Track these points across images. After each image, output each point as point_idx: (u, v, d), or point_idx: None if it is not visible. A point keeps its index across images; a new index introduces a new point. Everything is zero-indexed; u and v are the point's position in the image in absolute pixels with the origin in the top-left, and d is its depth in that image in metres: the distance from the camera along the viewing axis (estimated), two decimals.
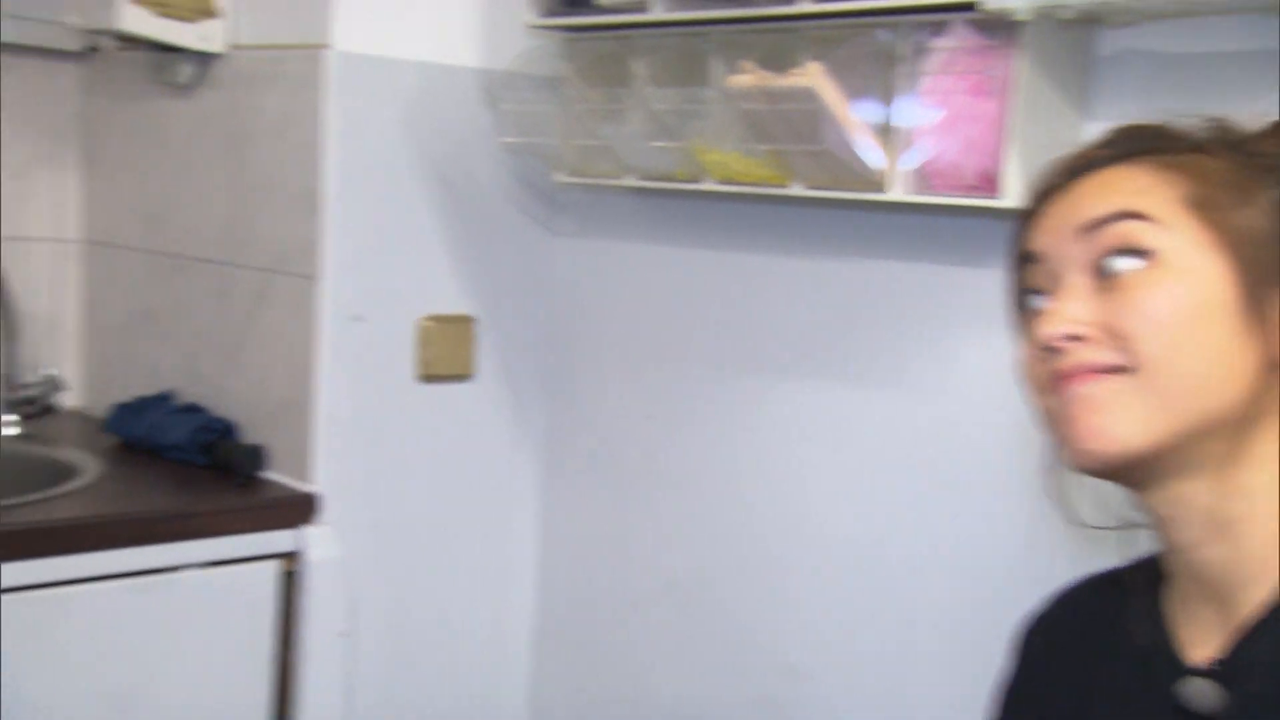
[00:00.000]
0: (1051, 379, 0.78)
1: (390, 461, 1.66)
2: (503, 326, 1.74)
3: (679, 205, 1.61)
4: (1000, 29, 1.16)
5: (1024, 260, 0.81)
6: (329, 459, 1.60)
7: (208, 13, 1.64)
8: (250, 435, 1.68)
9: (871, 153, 1.25)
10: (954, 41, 1.19)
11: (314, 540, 1.58)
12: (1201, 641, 0.80)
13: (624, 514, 1.70)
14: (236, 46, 1.66)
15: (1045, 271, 0.80)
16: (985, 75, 1.17)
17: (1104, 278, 0.76)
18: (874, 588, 1.43)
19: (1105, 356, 0.75)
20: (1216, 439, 0.76)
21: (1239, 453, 0.77)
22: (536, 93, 1.52)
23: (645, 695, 1.67)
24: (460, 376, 1.71)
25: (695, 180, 1.43)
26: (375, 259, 1.61)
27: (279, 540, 1.57)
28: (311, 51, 1.55)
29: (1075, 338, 0.76)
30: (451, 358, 1.70)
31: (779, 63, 1.28)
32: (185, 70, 1.70)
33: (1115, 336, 0.75)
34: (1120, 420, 0.75)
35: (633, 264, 1.68)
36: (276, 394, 1.64)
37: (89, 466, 1.62)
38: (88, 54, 1.89)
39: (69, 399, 1.95)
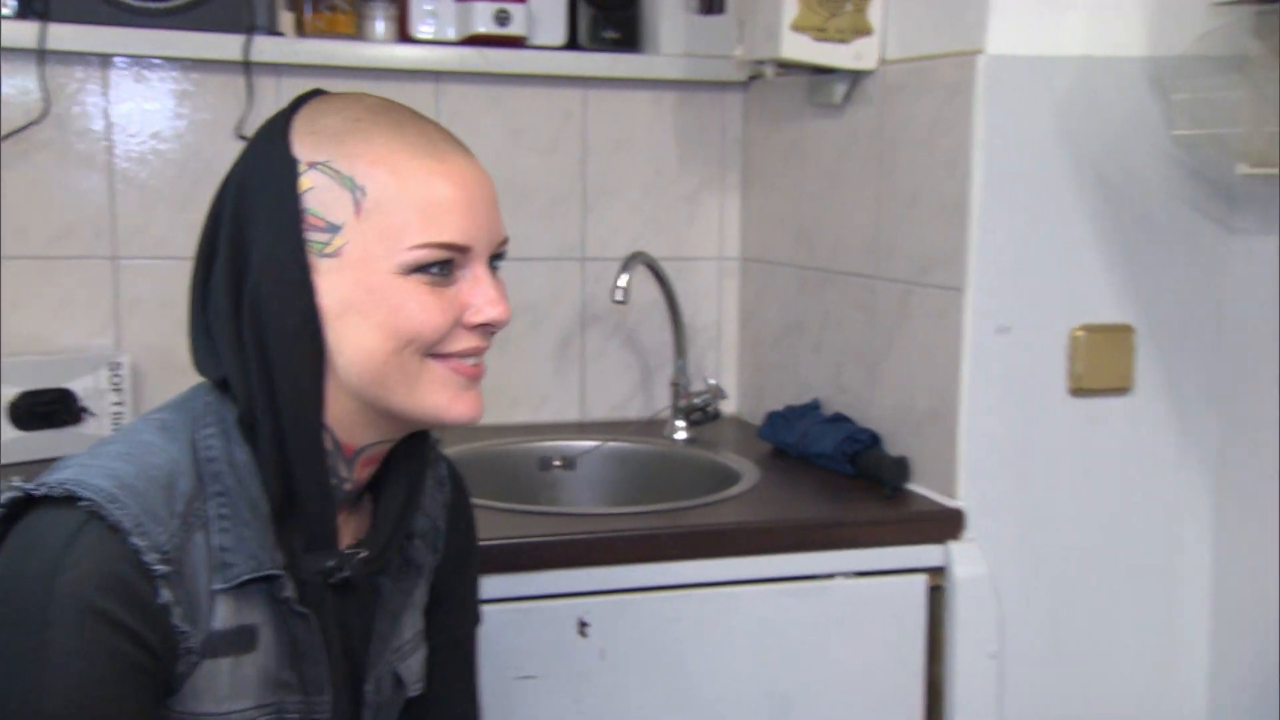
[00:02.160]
0: None
1: (1038, 478, 1.57)
2: (1166, 335, 1.58)
3: None
4: None
5: None
6: (974, 474, 1.55)
7: (862, 30, 1.64)
8: (895, 447, 1.67)
9: None
10: None
11: (959, 556, 1.53)
12: None
13: None
14: (887, 61, 1.65)
15: None
16: None
17: None
18: None
19: None
20: None
21: None
22: (1218, 77, 1.35)
23: None
24: (1117, 390, 1.57)
25: None
26: (1023, 267, 1.53)
27: (926, 555, 1.54)
28: (964, 58, 1.50)
29: None
30: (1107, 369, 1.56)
31: None
32: (838, 90, 1.72)
33: None
34: None
35: None
36: (921, 406, 1.61)
37: (748, 472, 1.70)
38: (749, 84, 2.00)
39: (728, 406, 2.07)
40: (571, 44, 1.93)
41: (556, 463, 1.85)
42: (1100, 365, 1.56)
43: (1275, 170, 1.37)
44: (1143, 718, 1.64)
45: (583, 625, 1.42)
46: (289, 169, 0.88)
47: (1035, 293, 1.54)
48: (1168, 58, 1.44)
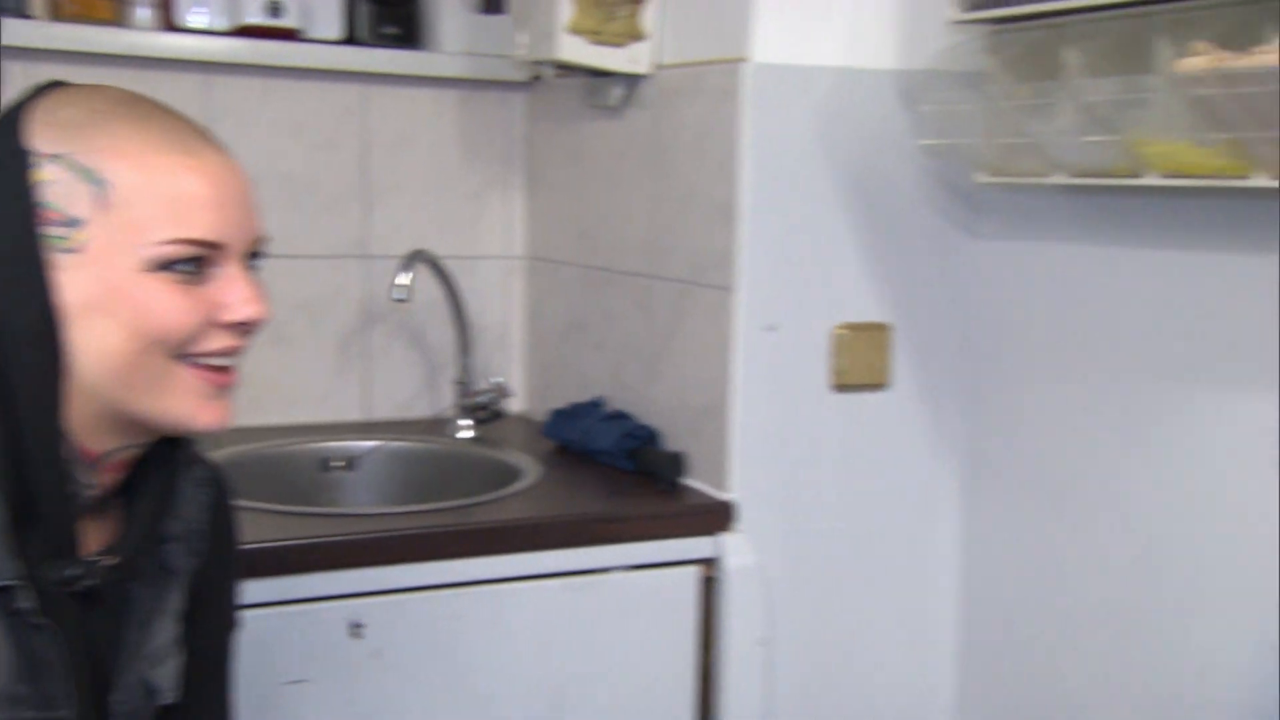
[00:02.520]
0: None
1: (804, 470, 1.64)
2: (920, 334, 1.67)
3: (1112, 202, 1.47)
4: None
5: None
6: (744, 467, 1.60)
7: (636, 36, 1.68)
8: (672, 442, 1.71)
9: None
10: None
11: (730, 547, 1.58)
12: None
13: (1055, 532, 1.57)
14: (661, 66, 1.69)
15: None
16: None
17: None
18: None
19: None
20: None
21: None
22: (958, 91, 1.43)
23: None
24: (875, 385, 1.65)
25: (1134, 175, 1.30)
26: (789, 268, 1.59)
27: (699, 546, 1.58)
28: (730, 65, 1.54)
29: None
30: (866, 366, 1.64)
31: (1239, 41, 1.13)
32: (615, 93, 1.75)
33: None
34: None
35: (1059, 266, 1.55)
36: (695, 402, 1.66)
37: (530, 469, 1.71)
38: (532, 84, 2.01)
39: (515, 404, 2.08)
40: (350, 39, 1.90)
41: (337, 463, 1.82)
42: (860, 362, 1.64)
43: (1010, 179, 1.47)
44: (899, 695, 1.73)
45: (356, 627, 1.40)
46: (21, 161, 0.84)
47: (800, 292, 1.60)
48: (914, 71, 1.52)
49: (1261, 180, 1.17)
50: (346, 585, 1.40)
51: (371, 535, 1.43)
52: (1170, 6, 1.21)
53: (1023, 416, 1.62)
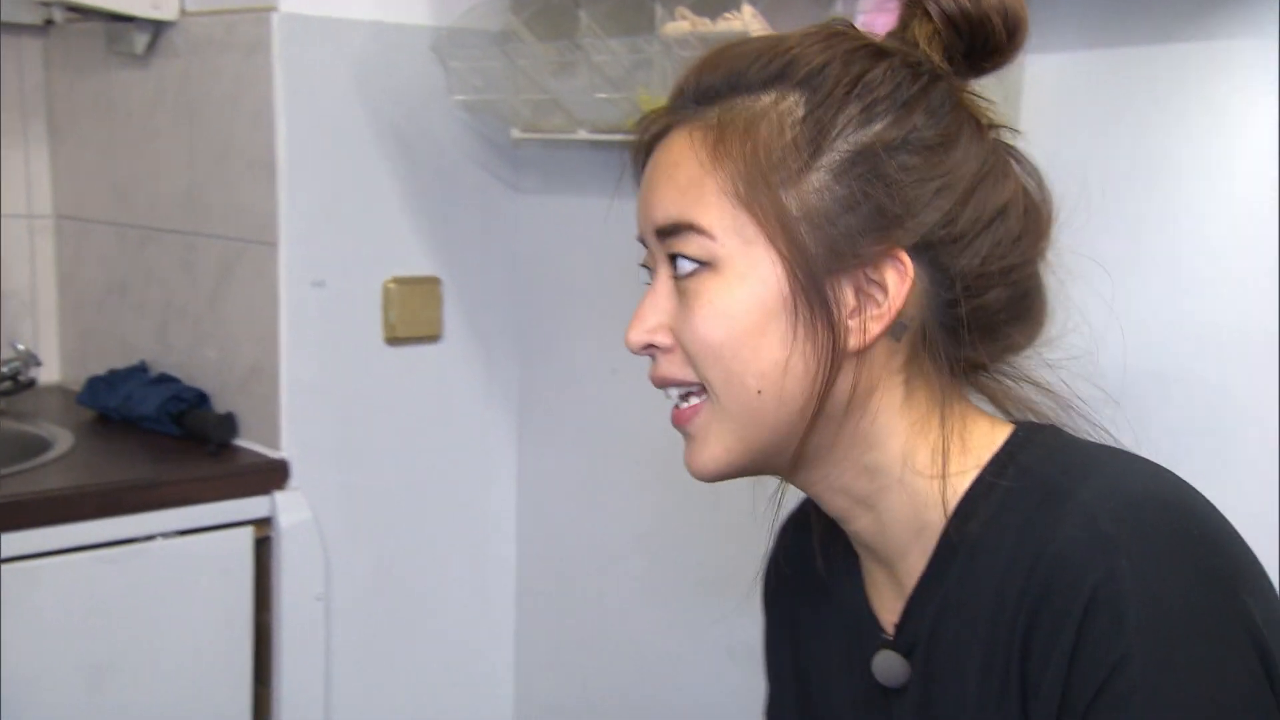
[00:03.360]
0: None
1: (360, 425, 1.64)
2: (469, 286, 1.71)
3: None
4: None
5: (641, 240, 0.78)
6: (297, 425, 1.58)
7: None
8: (221, 404, 1.66)
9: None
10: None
11: (284, 505, 1.56)
12: (887, 605, 0.79)
13: (597, 467, 1.67)
14: (188, 13, 1.62)
15: (650, 255, 0.77)
16: None
17: (678, 277, 0.74)
18: None
19: (684, 373, 0.75)
20: (813, 434, 0.73)
21: (852, 437, 0.74)
22: (486, 49, 1.47)
23: (623, 645, 1.65)
24: (428, 338, 1.68)
25: None
26: (335, 223, 1.58)
27: (251, 507, 1.55)
28: (260, 15, 1.50)
29: (653, 346, 0.76)
30: (417, 319, 1.66)
31: (715, 9, 1.23)
32: (140, 39, 1.66)
33: (686, 352, 0.74)
34: (707, 449, 0.76)
35: (593, 218, 1.63)
36: (244, 362, 1.62)
37: (62, 440, 1.60)
38: (46, 28, 1.85)
39: (48, 374, 1.93)
40: None
41: None
42: (411, 315, 1.65)
43: (542, 135, 1.53)
44: (462, 638, 1.77)
45: None
46: None
47: (348, 247, 1.59)
48: (445, 28, 1.54)
49: None
50: None
51: None
52: None
53: (568, 360, 1.70)
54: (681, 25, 1.22)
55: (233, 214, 1.60)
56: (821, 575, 0.85)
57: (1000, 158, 0.75)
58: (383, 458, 1.67)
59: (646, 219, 0.76)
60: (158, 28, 1.65)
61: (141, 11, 1.60)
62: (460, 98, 1.54)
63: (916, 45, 0.73)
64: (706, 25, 1.20)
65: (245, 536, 1.55)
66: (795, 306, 0.71)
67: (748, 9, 1.17)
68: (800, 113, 0.71)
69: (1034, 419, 0.78)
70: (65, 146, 1.89)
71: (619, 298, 1.62)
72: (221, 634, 1.54)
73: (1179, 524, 0.66)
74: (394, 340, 1.65)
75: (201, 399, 1.67)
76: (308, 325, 1.57)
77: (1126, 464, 0.71)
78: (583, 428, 1.69)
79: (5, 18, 1.81)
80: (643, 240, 0.77)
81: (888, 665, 0.77)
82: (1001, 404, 0.79)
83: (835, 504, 0.78)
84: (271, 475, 1.56)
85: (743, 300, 0.72)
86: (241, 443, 1.62)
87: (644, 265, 0.78)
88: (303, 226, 1.55)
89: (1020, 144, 0.78)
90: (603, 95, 1.36)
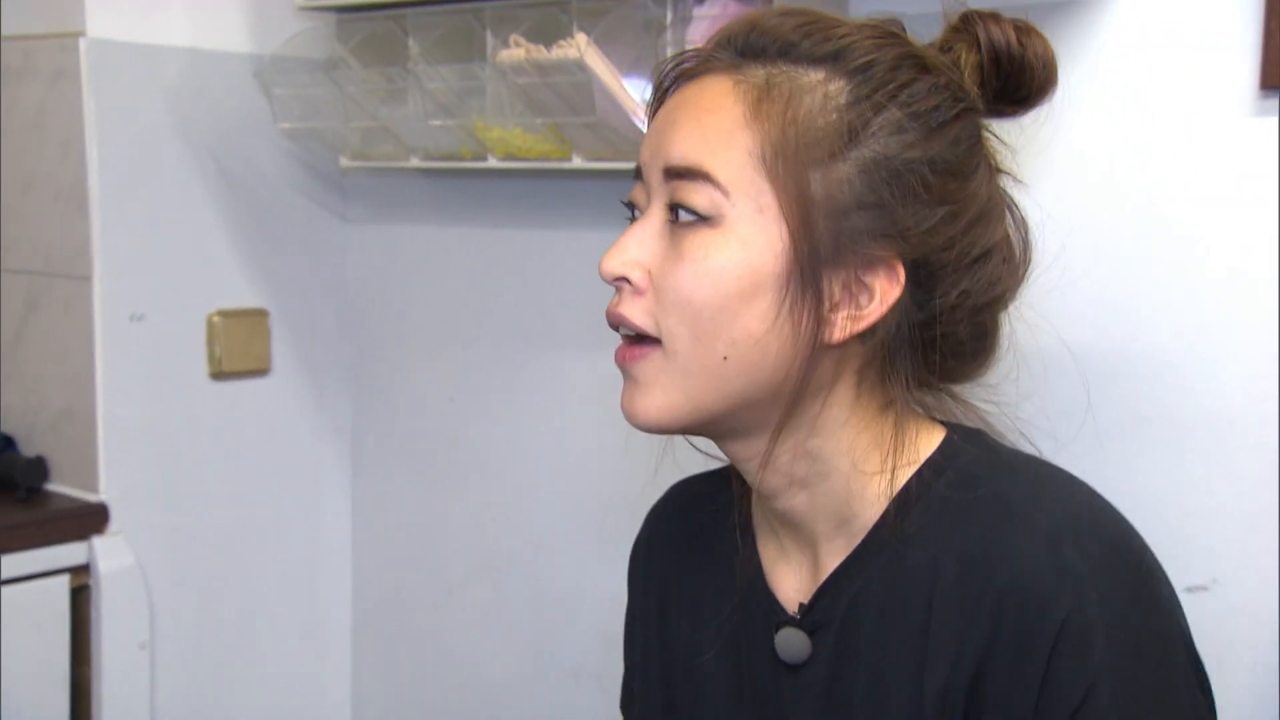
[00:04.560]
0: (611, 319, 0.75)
1: (184, 464, 1.57)
2: (298, 318, 1.66)
3: (466, 184, 1.55)
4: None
5: (636, 173, 0.76)
6: (116, 466, 1.50)
7: None
8: (30, 448, 1.56)
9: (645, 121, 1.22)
10: (716, 9, 1.16)
11: (103, 551, 1.48)
12: (793, 584, 0.80)
13: (434, 499, 1.64)
14: None
15: (643, 189, 0.75)
16: None
17: (674, 223, 0.72)
18: None
19: (642, 319, 0.72)
20: (764, 409, 0.73)
21: (800, 420, 0.74)
22: (312, 76, 1.44)
23: (465, 676, 1.61)
24: (256, 372, 1.62)
25: (480, 158, 1.38)
26: (154, 255, 1.52)
27: (67, 554, 1.47)
28: (67, 40, 1.44)
29: (625, 280, 0.73)
30: (244, 353, 1.61)
31: (549, 36, 1.23)
32: None
33: (658, 298, 0.72)
34: (650, 398, 0.73)
35: (425, 247, 1.61)
36: (55, 403, 1.53)
37: None
38: None
39: None
40: None
41: None
42: (238, 348, 1.60)
43: (371, 164, 1.51)
44: (293, 679, 1.70)
45: None
46: None
47: (169, 279, 1.53)
48: (266, 56, 1.50)
49: (580, 162, 1.30)
50: None
51: None
52: (492, 4, 1.29)
53: (402, 391, 1.66)
54: (516, 52, 1.22)
55: (41, 247, 1.51)
56: (696, 558, 0.85)
57: (999, 203, 0.76)
58: (210, 497, 1.60)
59: (657, 153, 0.73)
60: None
61: None
62: (285, 125, 1.50)
63: (959, 70, 0.73)
64: (541, 52, 1.20)
65: (60, 585, 1.46)
66: (787, 286, 0.70)
67: (581, 37, 1.18)
68: (844, 100, 0.71)
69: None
70: None
71: (454, 326, 1.61)
72: (34, 690, 1.45)
73: (1127, 556, 0.70)
74: (219, 375, 1.59)
75: (8, 443, 1.57)
76: (126, 361, 1.50)
77: (1066, 485, 0.74)
78: (418, 459, 1.65)
79: None
80: (639, 173, 0.75)
81: (790, 642, 0.77)
82: (929, 411, 0.80)
83: (768, 481, 0.76)
84: (88, 520, 1.48)
85: (737, 265, 0.70)
86: (54, 487, 1.53)
87: (628, 202, 0.76)
88: (119, 258, 1.48)
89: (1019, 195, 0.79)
90: (436, 122, 1.35)
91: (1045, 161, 1.07)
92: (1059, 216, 0.92)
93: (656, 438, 0.83)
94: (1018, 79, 0.75)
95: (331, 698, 1.74)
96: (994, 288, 0.75)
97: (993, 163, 0.76)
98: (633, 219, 0.76)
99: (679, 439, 0.86)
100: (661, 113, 0.75)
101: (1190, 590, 1.02)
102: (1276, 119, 0.99)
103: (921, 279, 0.72)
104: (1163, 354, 1.05)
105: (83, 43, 1.43)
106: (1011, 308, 0.80)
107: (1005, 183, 0.78)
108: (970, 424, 0.80)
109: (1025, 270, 0.78)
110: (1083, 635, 0.66)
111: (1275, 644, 1.00)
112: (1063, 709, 0.67)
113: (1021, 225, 0.78)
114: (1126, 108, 1.06)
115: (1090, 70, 1.06)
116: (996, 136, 0.78)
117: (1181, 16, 1.03)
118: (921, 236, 0.71)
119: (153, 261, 1.52)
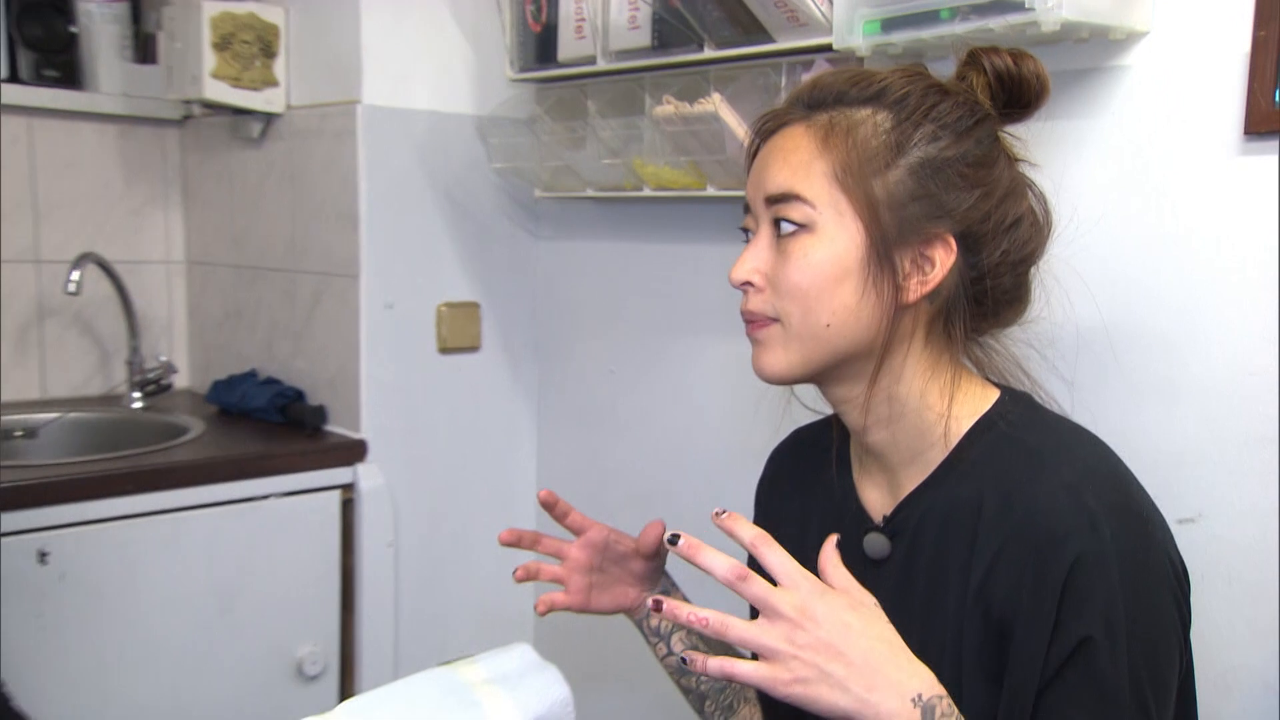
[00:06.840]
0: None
1: (420, 413, 1.67)
2: (501, 309, 1.74)
3: (627, 209, 1.59)
4: (852, 61, 1.19)
5: (745, 208, 0.81)
6: (373, 414, 1.61)
7: (270, 82, 1.67)
8: (315, 398, 1.70)
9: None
10: (818, 73, 1.20)
11: (364, 474, 1.60)
12: (878, 501, 0.82)
13: (598, 449, 1.69)
14: (292, 107, 1.69)
15: (751, 218, 0.79)
16: None
17: (779, 236, 0.76)
18: None
19: (764, 308, 0.77)
20: (859, 361, 0.76)
21: (885, 369, 0.77)
22: (516, 129, 1.52)
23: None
24: (469, 348, 1.71)
25: (638, 189, 1.42)
26: (401, 261, 1.62)
27: (339, 475, 1.59)
28: (347, 106, 1.57)
29: (749, 284, 0.77)
30: (462, 334, 1.69)
31: (692, 95, 1.28)
32: (255, 127, 1.73)
33: (774, 291, 0.76)
34: (772, 358, 0.77)
35: (596, 257, 1.67)
36: (332, 367, 1.66)
37: (195, 427, 1.66)
38: (184, 121, 1.93)
39: (181, 380, 1.98)
40: (14, 78, 1.76)
41: (18, 433, 1.68)
42: (458, 330, 1.69)
43: (558, 194, 1.58)
44: (491, 578, 1.77)
45: (42, 555, 1.32)
46: None
47: (411, 278, 1.64)
48: (484, 115, 1.60)
49: (713, 190, 1.34)
50: (34, 522, 1.32)
51: (54, 479, 1.36)
52: (649, 74, 1.36)
53: (575, 365, 1.73)
54: (667, 108, 1.27)
55: (324, 255, 1.65)
56: (806, 484, 0.88)
57: (1021, 182, 0.78)
58: (437, 438, 1.69)
59: (759, 188, 0.77)
60: (269, 119, 1.72)
61: (258, 106, 1.67)
62: (497, 166, 1.58)
63: (973, 90, 0.76)
64: (686, 108, 1.25)
65: (335, 498, 1.58)
66: (868, 266, 0.73)
67: (717, 96, 1.23)
68: (888, 125, 0.74)
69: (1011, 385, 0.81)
70: (196, 209, 1.96)
71: (615, 316, 1.67)
72: (317, 570, 1.57)
73: (1131, 504, 0.71)
74: (444, 350, 1.68)
75: (299, 395, 1.72)
76: (381, 338, 1.61)
77: (1089, 444, 0.75)
78: (587, 416, 1.71)
79: (154, 114, 1.89)
80: (748, 207, 0.79)
81: (875, 543, 0.80)
82: (984, 370, 0.82)
83: (858, 419, 0.79)
84: (354, 451, 1.60)
85: (829, 257, 0.74)
86: (330, 428, 1.65)
87: (743, 228, 0.80)
88: (377, 263, 1.60)
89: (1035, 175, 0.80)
90: (606, 161, 1.40)
91: (1067, 184, 1.05)
92: (1083, 209, 0.91)
93: (779, 402, 0.89)
94: (1019, 91, 0.77)
95: (520, 591, 1.84)
96: (1027, 245, 0.77)
97: (1011, 153, 0.78)
98: (746, 241, 0.79)
99: (796, 405, 0.91)
100: (757, 159, 0.79)
101: (1181, 521, 1.01)
102: (1264, 160, 0.95)
103: (970, 245, 0.75)
104: (1164, 333, 1.03)
105: (359, 108, 1.56)
106: (1049, 279, 0.81)
107: (1025, 168, 0.80)
108: (1016, 382, 0.82)
109: (1049, 231, 0.79)
110: (1098, 562, 0.68)
111: (1249, 563, 0.98)
112: (1077, 617, 0.68)
113: (1041, 198, 0.79)
114: (1136, 150, 1.03)
115: (1108, 124, 1.03)
116: (1012, 134, 0.79)
117: (1177, 73, 1.00)
118: (964, 214, 0.74)
119: (400, 265, 1.63)
